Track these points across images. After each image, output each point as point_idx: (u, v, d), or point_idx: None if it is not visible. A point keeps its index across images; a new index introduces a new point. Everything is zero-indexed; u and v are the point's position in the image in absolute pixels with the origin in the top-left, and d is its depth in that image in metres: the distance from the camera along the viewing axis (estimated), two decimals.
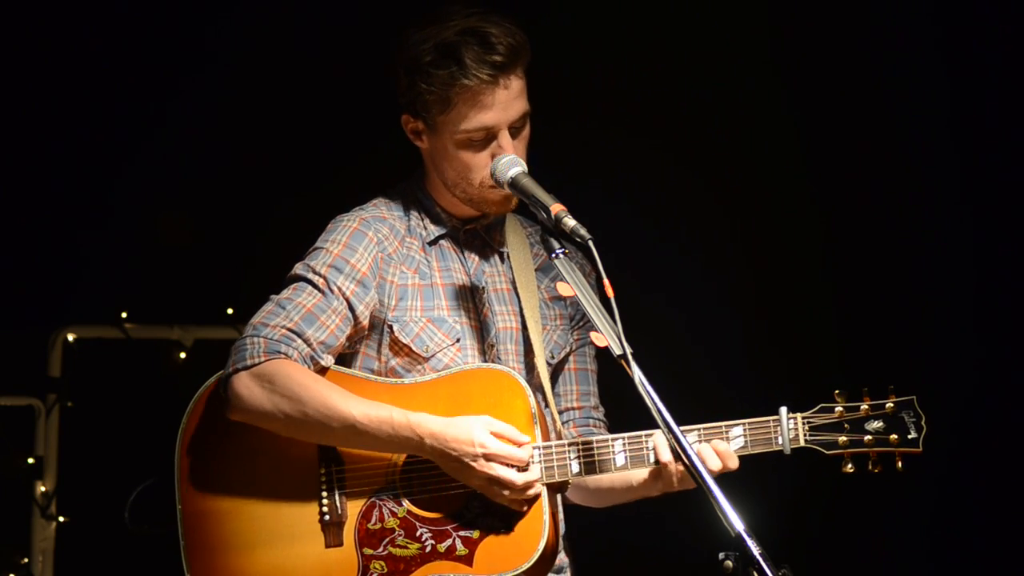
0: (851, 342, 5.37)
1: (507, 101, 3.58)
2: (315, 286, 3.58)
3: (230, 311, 5.76)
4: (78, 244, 5.55)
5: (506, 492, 3.47)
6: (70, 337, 5.74)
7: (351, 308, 3.59)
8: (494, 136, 3.60)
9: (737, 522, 2.99)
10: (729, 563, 2.97)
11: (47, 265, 5.54)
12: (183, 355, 5.77)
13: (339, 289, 3.58)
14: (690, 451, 3.13)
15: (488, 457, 3.45)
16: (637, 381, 3.19)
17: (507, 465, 3.46)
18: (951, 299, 5.30)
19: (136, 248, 5.56)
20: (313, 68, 5.43)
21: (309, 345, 3.53)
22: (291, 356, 3.51)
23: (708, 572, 3.01)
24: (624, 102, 5.42)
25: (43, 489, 5.66)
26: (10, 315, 5.51)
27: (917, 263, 5.34)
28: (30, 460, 5.67)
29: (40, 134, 5.48)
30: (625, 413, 3.70)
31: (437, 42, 3.56)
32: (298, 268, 3.62)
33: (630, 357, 3.23)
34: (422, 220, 3.73)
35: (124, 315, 5.77)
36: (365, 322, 3.62)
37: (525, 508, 3.49)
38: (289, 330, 3.52)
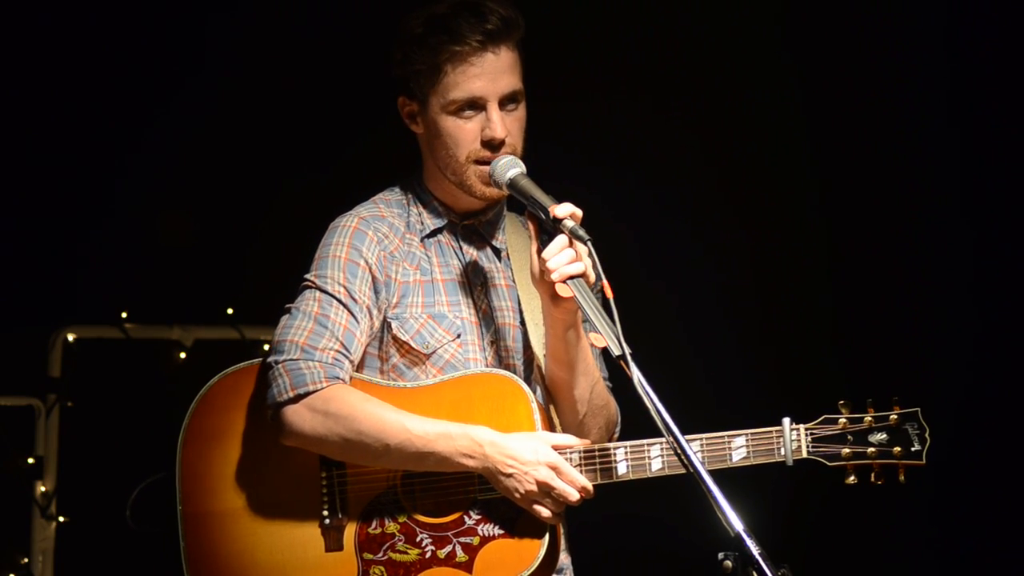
0: (850, 341, 5.37)
1: (496, 72, 3.56)
2: (339, 300, 3.56)
3: (230, 311, 5.76)
4: (78, 244, 5.54)
5: (549, 504, 3.47)
6: (70, 337, 5.73)
7: (370, 316, 3.59)
8: (483, 108, 3.58)
9: (736, 522, 2.99)
10: (729, 563, 2.97)
11: (47, 265, 5.54)
12: (183, 355, 5.77)
13: (360, 298, 3.57)
14: (690, 452, 3.12)
15: (554, 468, 3.45)
16: (636, 381, 3.18)
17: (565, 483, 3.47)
18: (951, 304, 5.30)
19: (136, 248, 5.56)
20: (312, 68, 5.43)
21: (352, 364, 3.54)
22: (346, 381, 3.51)
23: (708, 572, 3.01)
24: (628, 110, 5.42)
25: (43, 489, 5.66)
26: (10, 315, 5.51)
27: (918, 268, 5.34)
28: (30, 460, 5.67)
29: (40, 134, 5.47)
30: (626, 414, 3.71)
31: (430, 15, 3.59)
32: (316, 280, 3.59)
33: (629, 358, 3.22)
34: (420, 214, 3.71)
35: (124, 315, 5.77)
36: (378, 324, 3.63)
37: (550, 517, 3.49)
38: (338, 352, 3.51)
